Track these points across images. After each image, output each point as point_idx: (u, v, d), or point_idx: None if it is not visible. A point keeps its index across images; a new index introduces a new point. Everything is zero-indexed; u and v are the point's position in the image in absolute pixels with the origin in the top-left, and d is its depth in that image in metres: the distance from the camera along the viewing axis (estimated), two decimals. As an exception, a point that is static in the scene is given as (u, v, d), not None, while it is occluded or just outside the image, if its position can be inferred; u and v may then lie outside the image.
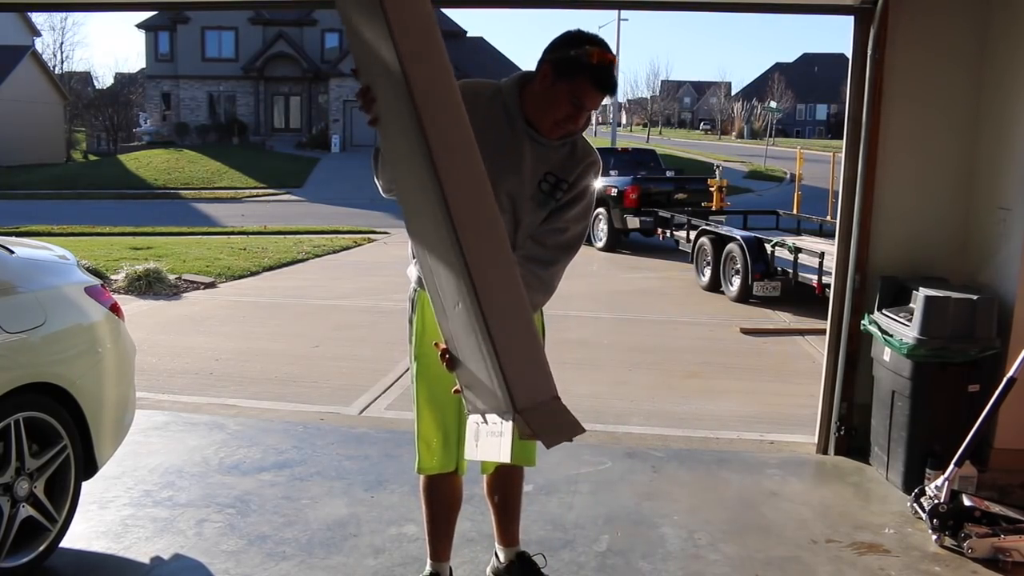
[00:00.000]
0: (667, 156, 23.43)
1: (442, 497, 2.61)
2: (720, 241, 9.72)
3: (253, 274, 10.50)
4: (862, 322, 4.04)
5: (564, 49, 2.21)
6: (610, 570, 3.03)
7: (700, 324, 8.10)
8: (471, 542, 3.13)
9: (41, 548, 2.82)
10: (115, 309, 3.29)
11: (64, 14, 47.03)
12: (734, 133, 64.65)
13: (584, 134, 2.39)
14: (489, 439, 1.94)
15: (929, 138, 4.06)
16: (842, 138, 4.27)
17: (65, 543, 2.98)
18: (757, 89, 67.67)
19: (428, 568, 2.68)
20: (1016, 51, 3.75)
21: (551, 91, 2.22)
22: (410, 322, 2.51)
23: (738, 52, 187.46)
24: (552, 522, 3.38)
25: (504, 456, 1.89)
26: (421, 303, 2.45)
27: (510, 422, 1.83)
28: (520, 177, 2.32)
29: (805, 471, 4.14)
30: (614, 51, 2.23)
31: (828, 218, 10.85)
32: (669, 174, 15.23)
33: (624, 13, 35.37)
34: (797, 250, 8.53)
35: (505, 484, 2.69)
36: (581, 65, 2.17)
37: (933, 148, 4.07)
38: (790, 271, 8.63)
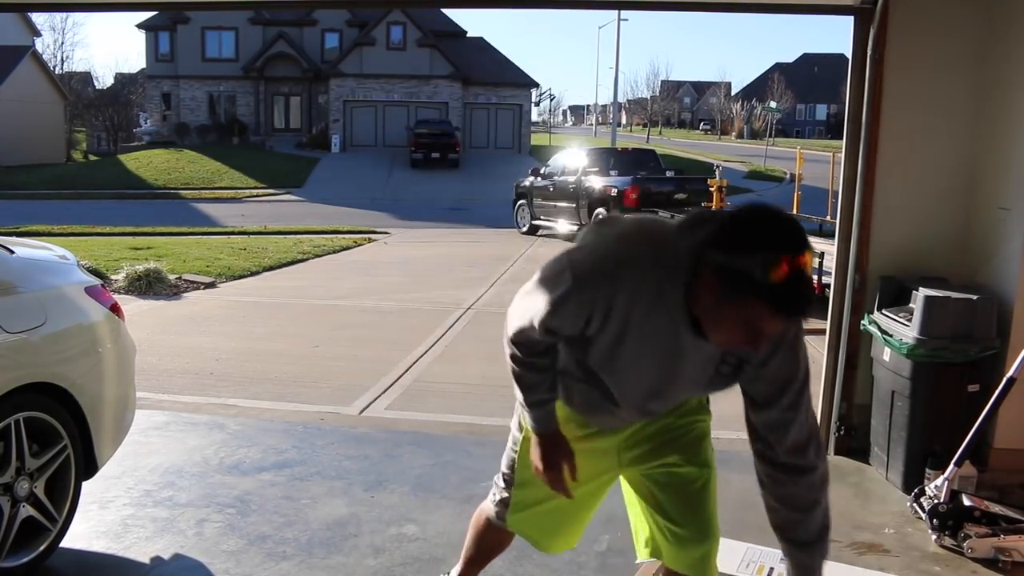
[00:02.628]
0: (667, 156, 23.45)
1: (495, 545, 2.47)
2: (720, 241, 9.70)
3: (253, 274, 10.50)
4: (862, 322, 4.04)
5: (731, 255, 1.57)
6: (610, 570, 3.03)
7: (700, 324, 8.09)
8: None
9: (41, 548, 2.82)
10: (115, 309, 3.29)
11: (64, 14, 47.11)
12: (734, 133, 64.67)
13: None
14: None
15: (929, 138, 4.06)
16: (842, 138, 4.27)
17: (65, 543, 2.98)
18: (757, 89, 67.69)
19: None
20: (1016, 50, 3.75)
21: (717, 309, 1.64)
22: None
23: (738, 52, 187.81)
24: (552, 522, 3.38)
25: None
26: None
27: None
28: (685, 371, 1.90)
29: (805, 471, 4.14)
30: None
31: (828, 218, 10.84)
32: (669, 174, 15.26)
33: (624, 13, 35.42)
34: (797, 250, 8.51)
35: None
36: (754, 284, 1.55)
37: (933, 148, 4.07)
38: (790, 271, 8.61)
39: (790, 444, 1.89)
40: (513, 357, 2.02)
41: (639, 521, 2.31)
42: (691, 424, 2.19)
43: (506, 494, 2.31)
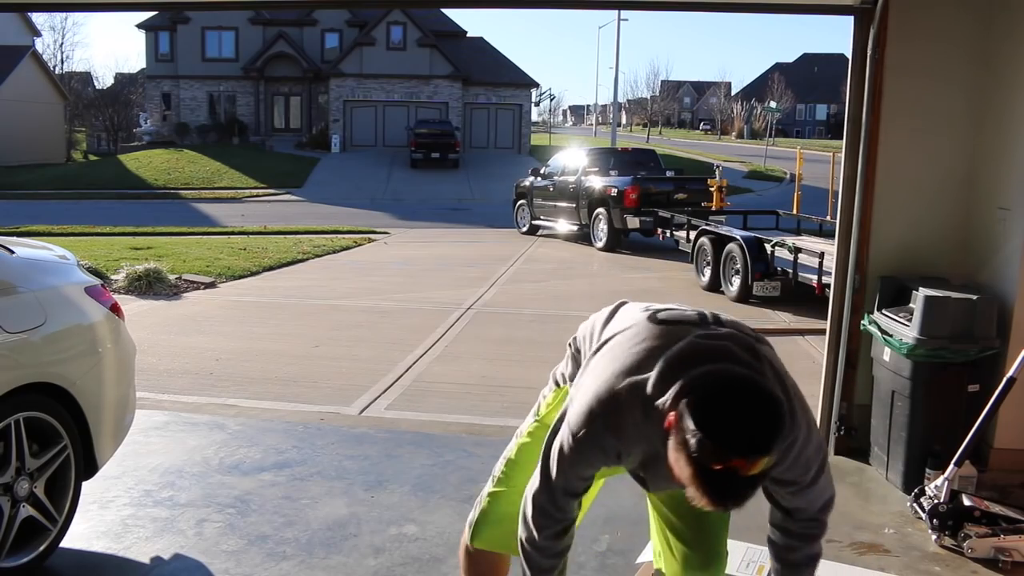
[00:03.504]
0: (667, 156, 23.45)
1: (488, 572, 2.35)
2: (720, 241, 9.72)
3: (253, 274, 10.50)
4: (862, 322, 4.04)
5: (693, 416, 1.52)
6: (610, 570, 3.04)
7: (700, 324, 8.08)
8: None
9: (41, 548, 2.83)
10: (115, 309, 3.29)
11: (64, 14, 47.11)
12: (734, 133, 64.66)
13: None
14: None
15: (929, 138, 4.06)
16: (842, 138, 4.27)
17: (65, 543, 2.98)
18: (757, 89, 67.66)
19: None
20: (1017, 51, 3.75)
21: (670, 449, 1.59)
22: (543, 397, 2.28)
23: (738, 52, 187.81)
24: (552, 522, 3.38)
25: None
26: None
27: None
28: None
29: (805, 471, 4.14)
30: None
31: (828, 218, 10.84)
32: (669, 174, 15.24)
33: (624, 13, 35.40)
34: (797, 250, 8.53)
35: None
36: (690, 456, 1.51)
37: (933, 148, 4.07)
38: (790, 271, 8.62)
39: (806, 516, 1.90)
40: (529, 540, 1.95)
41: (654, 532, 2.34)
42: None
43: (472, 515, 2.26)
